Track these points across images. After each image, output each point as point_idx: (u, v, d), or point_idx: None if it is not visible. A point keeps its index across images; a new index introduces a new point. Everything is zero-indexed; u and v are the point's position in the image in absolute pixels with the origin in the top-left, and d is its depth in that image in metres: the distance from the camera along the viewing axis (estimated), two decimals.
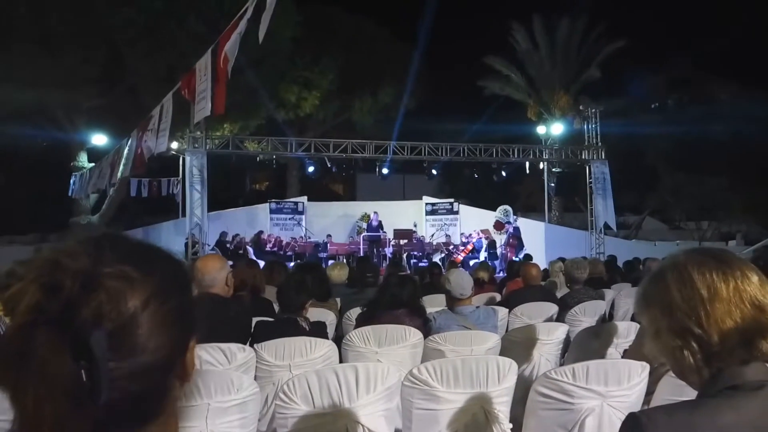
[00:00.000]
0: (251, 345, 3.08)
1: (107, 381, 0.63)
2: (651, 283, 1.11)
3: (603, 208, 15.65)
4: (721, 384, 0.98)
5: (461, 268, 4.31)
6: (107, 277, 0.67)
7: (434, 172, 16.70)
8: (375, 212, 17.22)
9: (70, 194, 14.45)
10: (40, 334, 0.63)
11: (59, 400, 0.62)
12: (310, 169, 16.00)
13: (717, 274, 1.03)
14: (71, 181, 14.38)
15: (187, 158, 14.49)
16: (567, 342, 3.92)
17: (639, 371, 2.38)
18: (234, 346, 2.85)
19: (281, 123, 19.46)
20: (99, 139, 14.46)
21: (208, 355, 2.76)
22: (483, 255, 16.38)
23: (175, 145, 14.93)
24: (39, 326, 0.63)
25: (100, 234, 0.75)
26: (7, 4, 10.92)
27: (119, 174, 10.27)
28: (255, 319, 3.47)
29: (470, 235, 17.41)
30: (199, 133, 14.04)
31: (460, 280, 3.63)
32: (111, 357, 0.63)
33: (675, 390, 2.26)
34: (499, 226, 17.63)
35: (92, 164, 13.88)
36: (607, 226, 16.06)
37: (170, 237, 16.45)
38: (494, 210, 18.34)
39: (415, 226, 17.89)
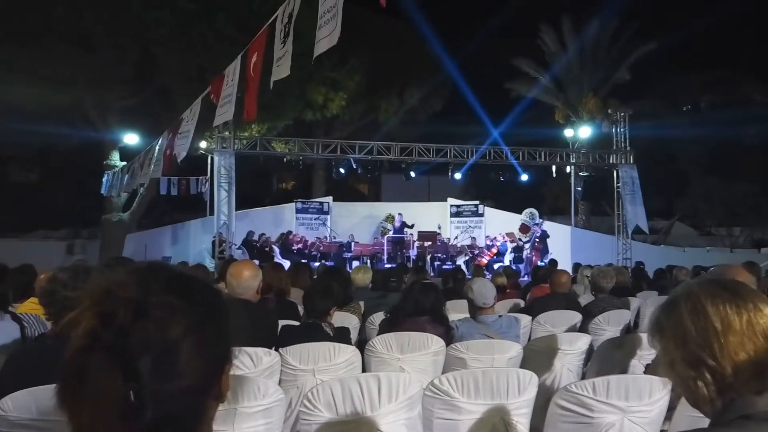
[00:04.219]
0: (277, 349, 3.15)
1: (153, 402, 0.69)
2: (665, 312, 1.13)
3: (632, 213, 15.41)
4: (733, 413, 1.00)
5: (484, 278, 4.33)
6: (154, 306, 0.73)
7: (457, 176, 16.62)
8: (399, 213, 17.26)
9: (102, 192, 14.78)
10: (96, 358, 0.69)
11: (110, 418, 0.69)
12: (341, 170, 16.14)
13: (730, 306, 1.05)
14: (104, 180, 14.72)
15: (216, 158, 14.74)
16: (590, 351, 3.91)
17: (660, 387, 2.38)
18: (260, 350, 2.92)
19: (308, 123, 19.62)
20: (131, 139, 14.76)
21: (234, 359, 2.83)
22: (508, 258, 16.29)
23: (203, 144, 15.19)
24: (94, 351, 0.70)
25: (145, 265, 0.82)
26: (45, 4, 11.22)
27: (149, 175, 10.48)
28: (281, 323, 3.55)
29: (495, 238, 17.33)
30: (227, 133, 14.27)
31: (483, 290, 3.65)
32: (156, 380, 0.70)
33: None
34: (524, 229, 17.51)
35: (124, 163, 14.18)
36: (638, 230, 15.80)
37: (198, 235, 16.76)
38: (520, 213, 18.22)
39: (440, 228, 17.88)
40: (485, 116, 19.53)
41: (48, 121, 13.25)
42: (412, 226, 16.82)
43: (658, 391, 2.38)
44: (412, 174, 16.58)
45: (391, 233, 16.95)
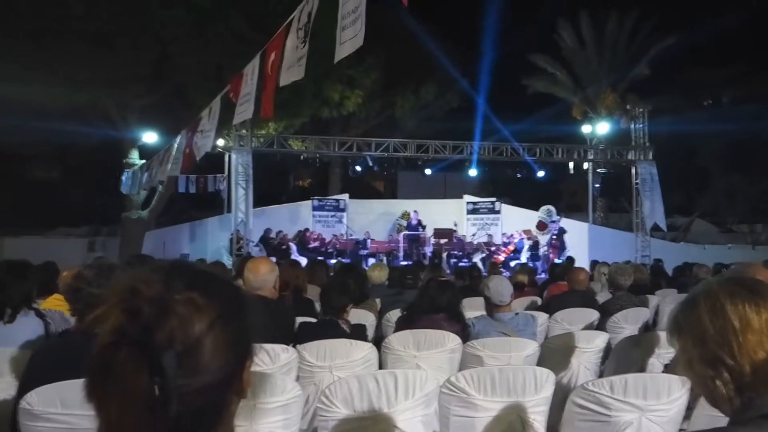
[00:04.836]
0: (294, 345, 3.18)
1: (177, 396, 0.71)
2: (683, 311, 1.13)
3: (650, 209, 15.25)
4: (752, 412, 1.00)
5: (501, 275, 4.31)
6: (178, 303, 0.75)
7: (472, 173, 16.55)
8: (415, 211, 17.25)
9: (122, 190, 14.96)
10: (122, 353, 0.72)
11: (137, 411, 0.71)
12: (358, 168, 16.19)
13: (749, 305, 1.05)
14: (123, 178, 14.90)
15: (233, 156, 14.86)
16: (608, 350, 3.89)
17: (679, 386, 2.36)
18: (278, 347, 2.95)
19: (324, 121, 19.68)
20: (150, 137, 14.91)
21: (255, 355, 2.86)
22: (525, 256, 16.20)
23: (221, 142, 15.32)
24: (121, 346, 0.72)
25: (168, 263, 0.84)
26: (63, 3, 11.37)
27: (168, 172, 10.60)
28: (298, 320, 3.58)
29: (512, 235, 17.23)
30: (244, 131, 14.38)
31: (500, 287, 3.64)
32: (179, 374, 0.72)
33: None
34: (541, 226, 17.37)
35: (143, 161, 14.34)
36: (656, 227, 15.63)
37: (215, 232, 16.90)
38: (537, 210, 18.08)
39: (456, 225, 17.82)
40: (502, 113, 19.45)
41: (68, 119, 13.44)
42: (424, 227, 16.81)
43: (677, 390, 2.36)
44: (428, 171, 16.55)
45: (406, 230, 16.95)
